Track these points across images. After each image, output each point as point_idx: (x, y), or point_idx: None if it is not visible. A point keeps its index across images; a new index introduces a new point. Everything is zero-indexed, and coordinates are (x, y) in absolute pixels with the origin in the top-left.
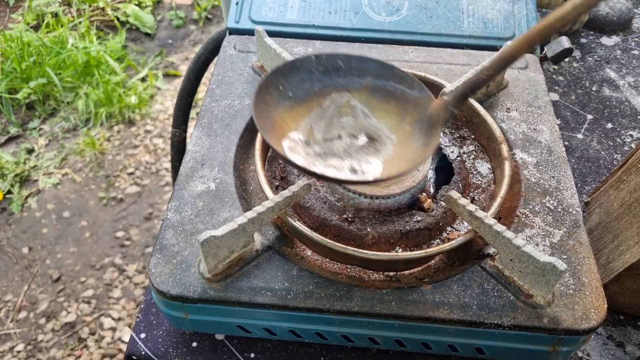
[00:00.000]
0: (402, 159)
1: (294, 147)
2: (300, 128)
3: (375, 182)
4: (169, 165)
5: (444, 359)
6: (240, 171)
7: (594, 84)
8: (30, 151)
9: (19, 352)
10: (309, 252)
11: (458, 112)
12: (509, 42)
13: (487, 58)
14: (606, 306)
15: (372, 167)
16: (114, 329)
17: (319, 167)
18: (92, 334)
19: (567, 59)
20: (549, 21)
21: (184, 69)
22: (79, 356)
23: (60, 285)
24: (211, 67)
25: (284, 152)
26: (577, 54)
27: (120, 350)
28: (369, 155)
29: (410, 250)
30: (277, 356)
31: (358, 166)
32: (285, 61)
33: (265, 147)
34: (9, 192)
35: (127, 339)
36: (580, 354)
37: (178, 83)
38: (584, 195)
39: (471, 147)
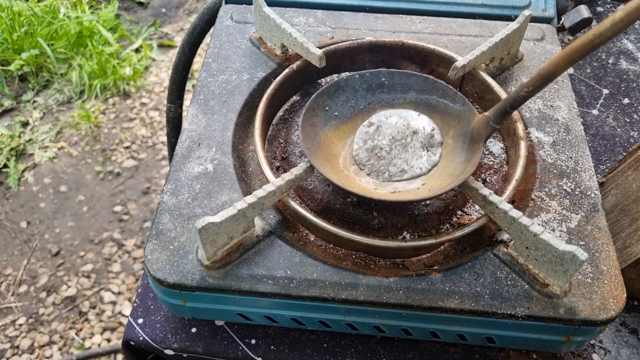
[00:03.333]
0: (444, 174)
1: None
2: (347, 146)
3: (418, 201)
4: (165, 139)
5: (451, 346)
6: (239, 151)
7: (610, 56)
8: (25, 124)
9: (20, 325)
10: (312, 237)
11: (499, 128)
12: (549, 57)
13: (501, 29)
14: (625, 295)
15: (413, 184)
16: (114, 303)
17: (360, 188)
18: (93, 307)
19: (583, 30)
20: (588, 38)
21: (179, 39)
22: (80, 329)
23: (59, 259)
24: (207, 39)
25: (328, 175)
26: (593, 23)
27: (120, 323)
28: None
29: (419, 235)
30: (278, 342)
31: (401, 185)
32: (286, 32)
33: (266, 125)
34: (5, 166)
35: (127, 312)
36: (592, 341)
37: (173, 54)
38: (598, 175)
39: None
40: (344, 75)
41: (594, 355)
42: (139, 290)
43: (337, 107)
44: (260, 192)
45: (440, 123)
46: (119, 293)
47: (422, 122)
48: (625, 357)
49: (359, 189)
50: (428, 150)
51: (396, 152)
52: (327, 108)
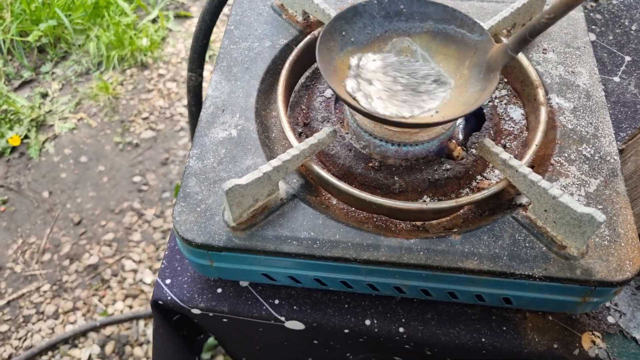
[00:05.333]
0: (458, 103)
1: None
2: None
3: (430, 125)
4: (183, 110)
5: (469, 307)
6: (262, 117)
7: (633, 23)
8: (44, 95)
9: (45, 292)
10: (334, 201)
11: (516, 56)
12: None
13: None
14: None
15: (428, 110)
16: (135, 271)
17: (377, 110)
18: (115, 275)
19: None
20: None
21: (195, 10)
22: (103, 296)
23: (81, 228)
24: (226, 9)
25: (344, 94)
26: None
27: (142, 291)
28: (426, 98)
29: (439, 200)
30: (301, 303)
31: (416, 109)
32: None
33: (288, 92)
34: (26, 137)
35: (148, 280)
36: (607, 304)
37: (189, 24)
38: (618, 142)
39: (503, 92)
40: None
41: (609, 318)
42: (166, 252)
43: (353, 33)
44: (284, 156)
45: (456, 53)
46: (140, 261)
47: (426, 67)
48: None
49: (370, 111)
50: (434, 92)
51: (404, 93)
52: (344, 33)
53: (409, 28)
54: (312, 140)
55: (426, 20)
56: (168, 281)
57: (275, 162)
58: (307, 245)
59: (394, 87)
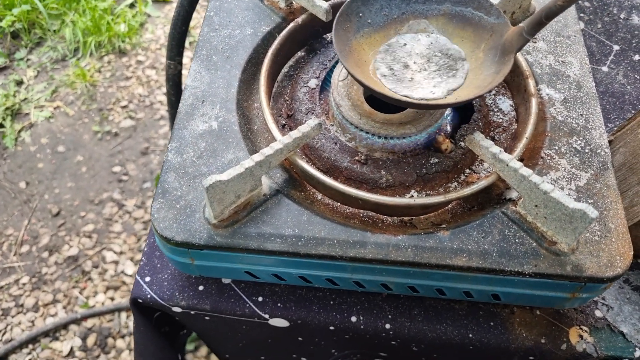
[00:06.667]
0: (472, 86)
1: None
2: (377, 54)
3: (445, 106)
4: (163, 98)
5: (456, 303)
6: (244, 109)
7: (622, 11)
8: (19, 83)
9: (24, 284)
10: (319, 196)
11: (532, 40)
12: None
13: None
14: (632, 253)
15: (441, 92)
16: (116, 263)
17: (391, 92)
18: (95, 267)
19: None
20: None
21: None
22: (84, 288)
23: (60, 219)
24: None
25: (359, 76)
26: None
27: (123, 282)
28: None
29: (426, 194)
30: (285, 300)
31: (429, 91)
32: None
33: (271, 82)
34: (1, 125)
35: (129, 272)
36: (595, 298)
37: (169, 10)
38: (607, 134)
39: None
40: None
41: (597, 312)
42: (145, 249)
43: (370, 14)
44: (267, 150)
45: (472, 36)
46: (121, 253)
47: (446, 46)
48: (627, 314)
49: (388, 93)
50: (449, 75)
51: (418, 75)
52: (360, 14)
53: (426, 10)
54: (296, 133)
55: (443, 2)
56: (147, 279)
57: (257, 157)
58: (291, 242)
59: (428, 68)
